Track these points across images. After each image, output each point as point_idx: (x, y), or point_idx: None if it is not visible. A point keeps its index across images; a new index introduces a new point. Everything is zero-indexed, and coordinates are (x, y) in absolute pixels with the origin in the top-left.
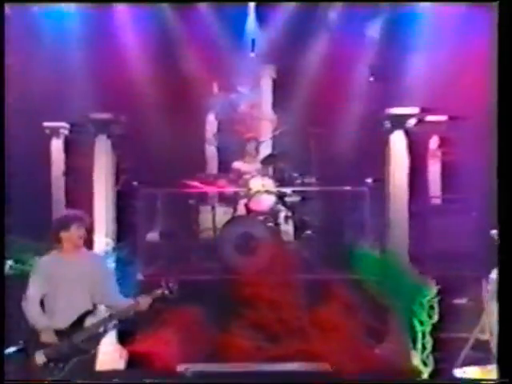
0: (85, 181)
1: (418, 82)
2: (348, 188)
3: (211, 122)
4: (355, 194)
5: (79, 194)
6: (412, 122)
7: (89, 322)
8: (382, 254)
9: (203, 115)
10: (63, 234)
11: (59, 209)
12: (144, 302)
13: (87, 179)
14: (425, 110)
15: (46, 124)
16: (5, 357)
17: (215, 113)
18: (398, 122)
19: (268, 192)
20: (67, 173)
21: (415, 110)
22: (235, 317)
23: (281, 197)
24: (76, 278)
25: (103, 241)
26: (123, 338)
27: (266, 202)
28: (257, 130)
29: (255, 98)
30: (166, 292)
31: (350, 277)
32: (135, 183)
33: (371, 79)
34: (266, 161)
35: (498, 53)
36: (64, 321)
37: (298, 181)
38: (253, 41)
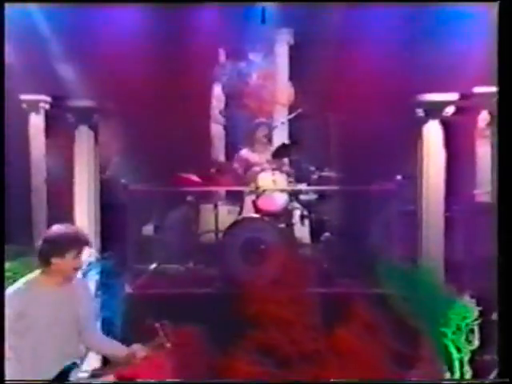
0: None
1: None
2: (374, 186)
3: (217, 97)
4: (382, 192)
5: (63, 184)
6: (450, 110)
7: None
8: (412, 265)
9: (208, 89)
10: (55, 261)
11: (39, 202)
12: (140, 353)
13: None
14: (465, 97)
15: (23, 97)
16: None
17: (222, 85)
18: (434, 110)
19: (280, 189)
20: (48, 155)
21: (454, 97)
22: (239, 337)
23: (295, 194)
24: (60, 317)
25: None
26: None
27: (278, 200)
28: (270, 106)
29: (269, 68)
30: (165, 343)
31: (375, 291)
32: (123, 181)
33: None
34: (278, 152)
35: (498, 53)
36: (46, 371)
37: (316, 176)
38: (263, 10)
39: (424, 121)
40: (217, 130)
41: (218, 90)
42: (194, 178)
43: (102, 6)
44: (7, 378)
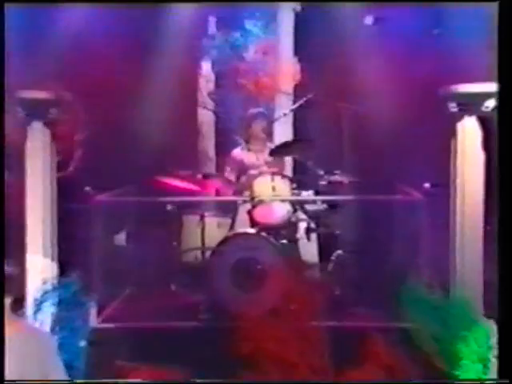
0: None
1: None
2: (397, 195)
3: (206, 76)
4: (407, 202)
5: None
6: (490, 104)
7: None
8: (443, 293)
9: (194, 67)
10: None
11: None
12: None
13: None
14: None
15: None
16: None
17: (211, 61)
18: (470, 104)
19: (281, 197)
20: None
21: (494, 88)
22: (231, 382)
23: (300, 203)
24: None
25: (39, 276)
26: None
27: (279, 210)
28: (271, 89)
29: (270, 40)
30: None
31: (397, 325)
32: (88, 188)
33: (436, 32)
34: (279, 151)
35: (498, 53)
36: None
37: (326, 182)
38: None
39: (458, 117)
40: (205, 117)
41: (206, 68)
42: (176, 182)
43: None
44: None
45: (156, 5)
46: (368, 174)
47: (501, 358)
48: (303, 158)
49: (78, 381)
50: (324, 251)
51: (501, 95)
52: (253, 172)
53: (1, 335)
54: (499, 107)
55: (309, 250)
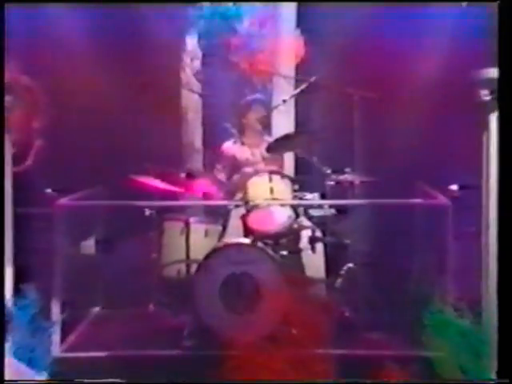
0: None
1: None
2: (418, 198)
3: (191, 52)
4: (430, 207)
5: None
6: None
7: None
8: (472, 317)
9: (177, 42)
10: None
11: None
12: None
13: None
14: None
15: None
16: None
17: (198, 35)
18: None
19: (281, 201)
20: None
21: None
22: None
23: (303, 208)
24: None
25: None
26: None
27: (279, 216)
28: (269, 69)
29: (267, 9)
30: None
31: (417, 353)
32: (49, 190)
33: (464, 4)
34: (277, 145)
35: (498, 53)
36: None
37: (333, 182)
38: None
39: (492, 107)
40: (190, 101)
41: (191, 43)
42: (155, 182)
43: None
44: None
45: None
46: (384, 173)
47: (501, 358)
48: (307, 154)
49: (77, 380)
50: (332, 264)
51: (501, 95)
52: (247, 170)
53: (1, 335)
54: (499, 107)
55: (314, 263)
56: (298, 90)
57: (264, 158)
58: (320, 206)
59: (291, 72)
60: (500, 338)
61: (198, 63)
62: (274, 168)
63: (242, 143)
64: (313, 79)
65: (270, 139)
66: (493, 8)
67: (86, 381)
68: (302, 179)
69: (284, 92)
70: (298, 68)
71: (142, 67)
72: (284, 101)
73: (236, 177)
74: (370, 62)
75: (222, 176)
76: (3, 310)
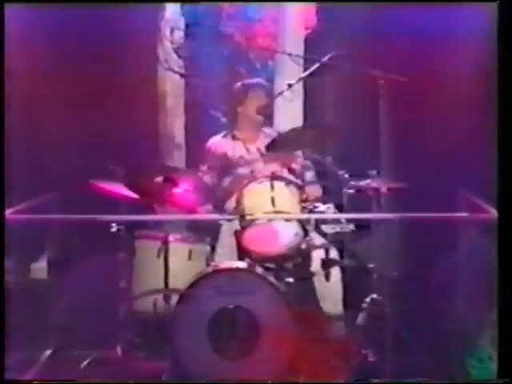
0: None
1: None
2: (461, 211)
3: (172, 21)
4: (477, 223)
5: None
6: None
7: None
8: None
9: (153, 9)
10: None
11: None
12: None
13: None
14: None
15: None
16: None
17: None
18: None
19: (286, 214)
20: None
21: None
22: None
23: (315, 223)
24: None
25: None
26: None
27: (283, 233)
28: (271, 42)
29: None
30: None
31: None
32: None
33: None
34: (281, 142)
35: (498, 53)
36: None
37: (353, 189)
38: None
39: None
40: (169, 83)
41: (172, 10)
42: (123, 189)
43: None
44: None
45: None
46: (418, 178)
47: (501, 357)
48: (319, 154)
49: (78, 381)
50: (351, 295)
51: (501, 95)
52: (242, 171)
53: (1, 335)
54: (499, 108)
55: (328, 293)
56: (308, 72)
57: (264, 158)
58: (336, 221)
59: (299, 48)
60: (500, 337)
61: (179, 35)
62: (276, 171)
63: (235, 137)
64: (326, 58)
65: (272, 133)
66: (493, 8)
67: (86, 381)
68: (314, 185)
69: (290, 74)
70: (307, 43)
71: (108, 38)
72: (289, 85)
73: (228, 181)
74: (401, 36)
75: (209, 180)
76: (3, 309)
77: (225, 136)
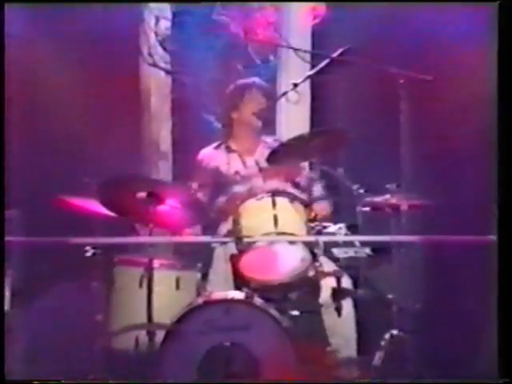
0: None
1: None
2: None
3: (157, 9)
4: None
5: None
6: None
7: None
8: None
9: None
10: None
11: None
12: None
13: None
14: None
15: None
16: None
17: None
18: None
19: (290, 236)
20: None
21: None
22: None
23: (325, 246)
24: None
25: None
26: None
27: (286, 258)
28: (272, 34)
29: None
30: None
31: None
32: None
33: None
34: (285, 153)
35: (498, 53)
36: None
37: (368, 207)
38: None
39: None
40: (153, 81)
41: None
42: (100, 206)
43: None
44: None
45: None
46: (445, 194)
47: (501, 358)
48: (328, 165)
49: (79, 381)
50: (367, 331)
51: (501, 95)
52: (237, 190)
53: (1, 335)
54: (499, 107)
55: (340, 328)
56: (316, 70)
57: (263, 172)
58: (349, 244)
59: (306, 41)
60: (500, 337)
61: (166, 25)
62: (278, 185)
63: (230, 149)
64: (338, 53)
65: (273, 143)
66: (493, 8)
67: (87, 381)
68: (322, 201)
69: (294, 71)
70: (315, 35)
71: (84, 29)
72: (295, 85)
73: (222, 199)
74: (424, 26)
75: (200, 197)
76: (3, 311)
77: (218, 147)
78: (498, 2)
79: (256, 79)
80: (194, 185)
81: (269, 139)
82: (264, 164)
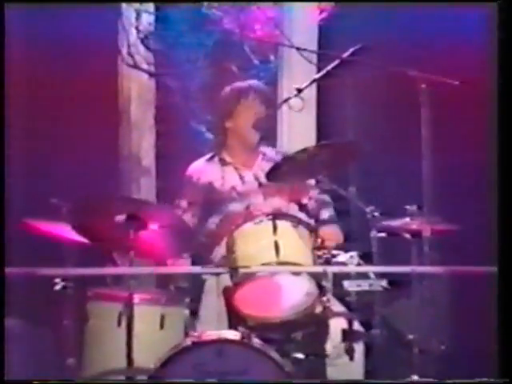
0: None
1: None
2: None
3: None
4: None
5: None
6: None
7: None
8: None
9: None
10: None
11: None
12: None
13: None
14: None
15: None
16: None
17: None
18: None
19: (293, 266)
20: None
21: None
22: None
23: (334, 278)
24: None
25: None
26: None
27: (289, 292)
28: (272, 31)
29: None
30: None
31: None
32: None
33: None
34: (287, 168)
35: (498, 53)
36: None
37: (384, 232)
38: None
39: None
40: (134, 84)
41: None
42: (71, 231)
43: None
44: None
45: None
46: (474, 217)
47: (501, 358)
48: (338, 183)
49: (78, 381)
50: (383, 376)
51: (501, 95)
52: (233, 208)
53: (1, 335)
54: (499, 107)
55: (351, 374)
56: (323, 72)
57: (262, 188)
58: (362, 275)
59: (311, 39)
60: (500, 337)
61: (149, 20)
62: (279, 207)
63: (225, 162)
64: (348, 53)
65: (274, 156)
66: (493, 8)
67: (86, 381)
68: (329, 224)
69: (298, 74)
70: (322, 34)
71: (53, 25)
72: (299, 90)
73: (214, 221)
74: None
75: (189, 219)
76: (3, 309)
77: (210, 160)
78: (497, 1)
79: (253, 82)
80: (183, 203)
81: (269, 150)
82: (264, 179)
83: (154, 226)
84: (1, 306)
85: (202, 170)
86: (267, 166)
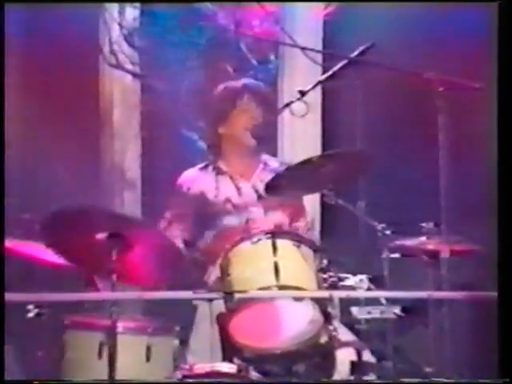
0: None
1: None
2: None
3: None
4: None
5: None
6: None
7: None
8: None
9: None
10: None
11: None
12: None
13: None
14: None
15: None
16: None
17: None
18: None
19: (295, 291)
20: None
21: None
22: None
23: (341, 304)
24: None
25: None
26: None
27: (290, 319)
28: (271, 28)
29: None
30: None
31: None
32: None
33: None
34: (289, 180)
35: (498, 53)
36: None
37: (397, 253)
38: None
39: None
40: (118, 86)
41: None
42: (46, 252)
43: None
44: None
45: None
46: (499, 236)
47: (501, 357)
48: (344, 198)
49: (79, 380)
50: None
51: (501, 96)
52: (229, 223)
53: (1, 335)
54: (499, 108)
55: None
56: (329, 74)
57: (261, 201)
58: (373, 301)
59: (315, 37)
60: (500, 337)
61: (133, 14)
62: (279, 223)
63: (220, 171)
64: (356, 53)
65: (274, 166)
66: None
67: (86, 380)
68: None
69: (301, 76)
70: (327, 31)
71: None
72: (302, 93)
73: (208, 238)
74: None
75: (178, 235)
76: (3, 309)
77: (204, 169)
78: (498, 1)
79: (249, 81)
80: (171, 215)
81: (271, 160)
82: (263, 191)
83: (139, 246)
84: (1, 308)
85: (194, 178)
86: (267, 177)
